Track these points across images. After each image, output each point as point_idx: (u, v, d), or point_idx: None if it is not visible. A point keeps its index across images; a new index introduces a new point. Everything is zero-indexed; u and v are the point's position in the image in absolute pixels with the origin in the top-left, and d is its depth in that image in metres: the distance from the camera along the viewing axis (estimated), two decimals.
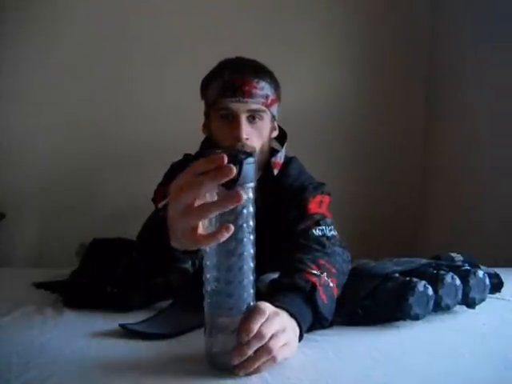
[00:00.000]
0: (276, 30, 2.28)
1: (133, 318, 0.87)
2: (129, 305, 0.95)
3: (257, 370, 0.68)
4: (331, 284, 0.89)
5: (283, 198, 1.14)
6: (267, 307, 0.71)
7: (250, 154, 0.65)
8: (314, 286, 0.84)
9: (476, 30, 2.07)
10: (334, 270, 0.93)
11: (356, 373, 0.69)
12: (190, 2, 2.25)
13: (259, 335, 0.67)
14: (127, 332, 0.81)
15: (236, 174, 0.61)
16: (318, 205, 1.11)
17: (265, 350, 0.67)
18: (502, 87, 1.90)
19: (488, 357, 0.77)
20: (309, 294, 0.83)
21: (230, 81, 1.12)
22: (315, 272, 0.88)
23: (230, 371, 0.66)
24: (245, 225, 0.66)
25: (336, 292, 0.91)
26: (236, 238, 0.65)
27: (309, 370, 0.69)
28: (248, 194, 0.65)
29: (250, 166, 0.64)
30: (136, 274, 0.91)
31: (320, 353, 0.76)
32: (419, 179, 2.42)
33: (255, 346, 0.67)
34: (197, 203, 0.62)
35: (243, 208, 0.65)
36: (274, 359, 0.68)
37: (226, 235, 0.62)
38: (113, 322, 0.85)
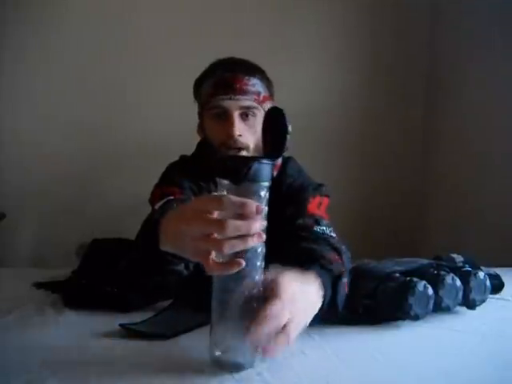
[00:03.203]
0: (275, 31, 2.28)
1: (133, 318, 0.87)
2: (128, 305, 0.95)
3: (269, 351, 0.65)
4: (344, 279, 0.88)
5: (282, 197, 1.14)
6: (288, 288, 0.68)
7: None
8: (341, 273, 0.84)
9: (476, 30, 2.07)
10: (345, 267, 0.92)
11: (356, 373, 0.69)
12: (188, 3, 2.25)
13: (275, 318, 0.64)
14: (127, 332, 0.81)
15: (244, 172, 0.62)
16: (316, 206, 1.11)
17: (280, 332, 0.65)
18: (502, 87, 1.90)
19: (488, 357, 0.77)
20: (336, 279, 0.82)
21: (221, 79, 1.13)
22: (338, 260, 0.88)
23: (234, 371, 0.66)
24: None
25: (346, 289, 0.89)
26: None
27: (309, 369, 0.69)
28: (262, 192, 0.65)
29: (265, 166, 0.65)
30: (135, 274, 0.91)
31: (320, 353, 0.76)
32: (419, 179, 2.42)
33: (271, 327, 0.64)
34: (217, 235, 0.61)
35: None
36: (288, 340, 0.66)
37: (236, 270, 0.62)
38: (113, 322, 0.85)
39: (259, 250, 0.67)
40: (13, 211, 2.13)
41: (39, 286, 1.14)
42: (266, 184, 0.66)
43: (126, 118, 2.24)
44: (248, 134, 1.12)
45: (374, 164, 2.38)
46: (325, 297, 0.77)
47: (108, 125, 2.21)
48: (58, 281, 1.13)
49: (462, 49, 2.19)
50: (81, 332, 0.82)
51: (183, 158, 1.27)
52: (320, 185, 1.19)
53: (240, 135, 1.11)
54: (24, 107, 2.20)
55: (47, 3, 2.19)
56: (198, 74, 1.21)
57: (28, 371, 0.65)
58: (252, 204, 0.61)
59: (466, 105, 2.13)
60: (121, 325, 0.82)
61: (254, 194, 0.64)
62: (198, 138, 1.27)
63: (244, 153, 1.13)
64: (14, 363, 0.68)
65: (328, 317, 0.83)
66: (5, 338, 0.80)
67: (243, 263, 0.62)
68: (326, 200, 1.15)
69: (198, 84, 1.21)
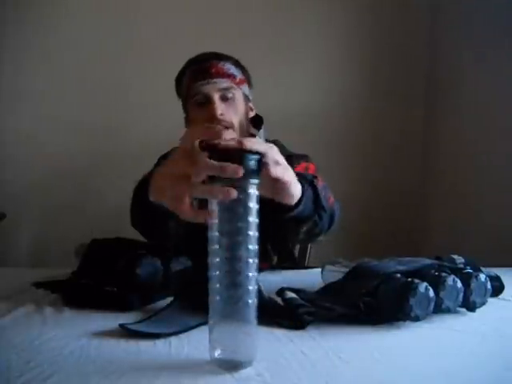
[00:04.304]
0: (275, 31, 2.29)
1: (133, 318, 0.87)
2: (128, 304, 0.95)
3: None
4: (328, 194, 0.97)
5: None
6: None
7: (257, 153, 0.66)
8: (314, 177, 0.93)
9: (476, 30, 2.07)
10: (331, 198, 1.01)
11: (356, 373, 0.69)
12: (188, 3, 2.25)
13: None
14: (127, 332, 0.81)
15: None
16: (303, 170, 1.16)
17: None
18: (501, 87, 1.90)
19: (488, 357, 0.76)
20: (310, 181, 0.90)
21: (197, 68, 1.23)
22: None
23: (234, 370, 0.66)
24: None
25: (331, 201, 0.99)
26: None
27: (308, 369, 0.69)
28: (250, 189, 0.63)
29: (252, 162, 0.63)
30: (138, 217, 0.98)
31: (319, 352, 0.75)
32: (419, 179, 2.42)
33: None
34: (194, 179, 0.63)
35: (245, 203, 0.63)
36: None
37: (204, 220, 0.63)
38: (113, 321, 0.84)
39: (251, 247, 0.65)
40: (13, 211, 2.13)
41: (39, 285, 1.13)
42: (256, 181, 0.64)
43: (127, 118, 2.24)
44: (230, 113, 1.21)
45: (374, 164, 2.38)
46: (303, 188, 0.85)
47: (108, 124, 2.22)
48: (57, 280, 1.13)
49: (461, 49, 2.19)
50: (81, 332, 0.82)
51: (174, 149, 1.31)
52: (304, 155, 1.24)
53: (222, 114, 1.19)
54: (25, 107, 2.21)
55: (47, 3, 2.20)
56: None
57: (28, 371, 0.65)
58: (231, 166, 0.60)
59: (465, 105, 2.13)
60: (121, 325, 0.82)
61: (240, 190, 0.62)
62: None
63: (230, 131, 1.15)
64: (14, 363, 0.68)
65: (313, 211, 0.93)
66: (5, 337, 0.80)
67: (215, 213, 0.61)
68: (312, 166, 1.20)
69: (178, 81, 1.32)
